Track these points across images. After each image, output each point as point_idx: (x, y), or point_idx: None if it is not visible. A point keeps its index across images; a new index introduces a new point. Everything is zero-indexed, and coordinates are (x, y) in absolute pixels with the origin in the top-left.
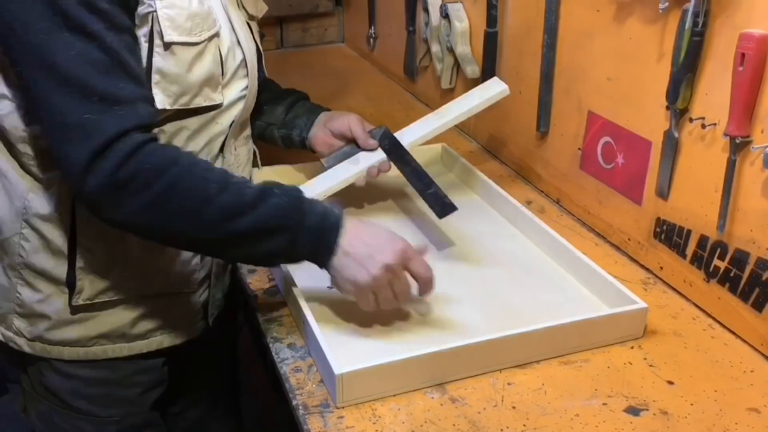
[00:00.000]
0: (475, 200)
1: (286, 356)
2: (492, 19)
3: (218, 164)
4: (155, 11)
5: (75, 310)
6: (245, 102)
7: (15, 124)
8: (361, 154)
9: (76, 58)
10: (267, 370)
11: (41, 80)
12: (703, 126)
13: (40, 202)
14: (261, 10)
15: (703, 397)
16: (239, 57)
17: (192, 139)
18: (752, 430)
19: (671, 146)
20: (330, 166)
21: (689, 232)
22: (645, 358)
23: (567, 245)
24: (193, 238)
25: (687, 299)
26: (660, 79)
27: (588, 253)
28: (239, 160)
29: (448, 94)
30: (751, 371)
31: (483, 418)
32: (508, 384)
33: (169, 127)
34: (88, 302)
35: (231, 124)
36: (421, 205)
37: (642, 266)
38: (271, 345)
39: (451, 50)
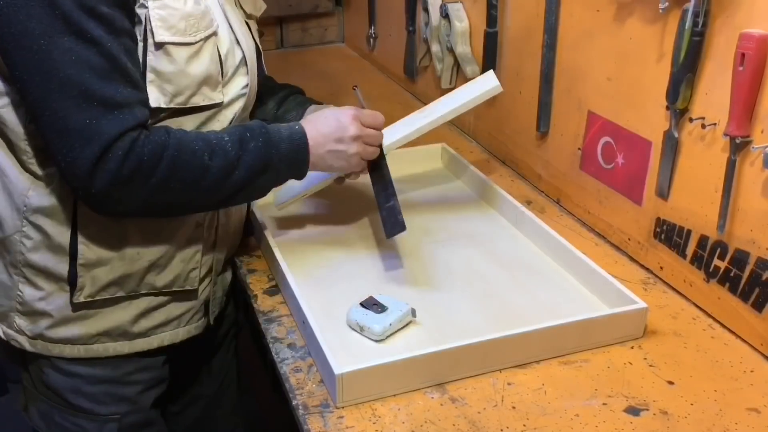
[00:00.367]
0: (474, 200)
1: (286, 356)
2: (492, 19)
3: None
4: (147, 11)
5: (76, 307)
6: (246, 100)
7: (14, 122)
8: None
9: (76, 63)
10: (267, 370)
11: (41, 85)
12: (703, 126)
13: (40, 199)
14: (260, 8)
15: (703, 397)
16: (239, 56)
17: None
18: (752, 430)
19: (671, 146)
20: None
21: (689, 232)
22: (645, 358)
23: (567, 245)
24: (199, 204)
25: (687, 299)
26: (660, 79)
27: (588, 253)
28: None
29: None
30: (751, 371)
31: (483, 418)
32: (508, 384)
33: (169, 124)
34: (90, 299)
35: (231, 122)
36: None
37: (642, 266)
38: (271, 345)
39: (451, 50)
